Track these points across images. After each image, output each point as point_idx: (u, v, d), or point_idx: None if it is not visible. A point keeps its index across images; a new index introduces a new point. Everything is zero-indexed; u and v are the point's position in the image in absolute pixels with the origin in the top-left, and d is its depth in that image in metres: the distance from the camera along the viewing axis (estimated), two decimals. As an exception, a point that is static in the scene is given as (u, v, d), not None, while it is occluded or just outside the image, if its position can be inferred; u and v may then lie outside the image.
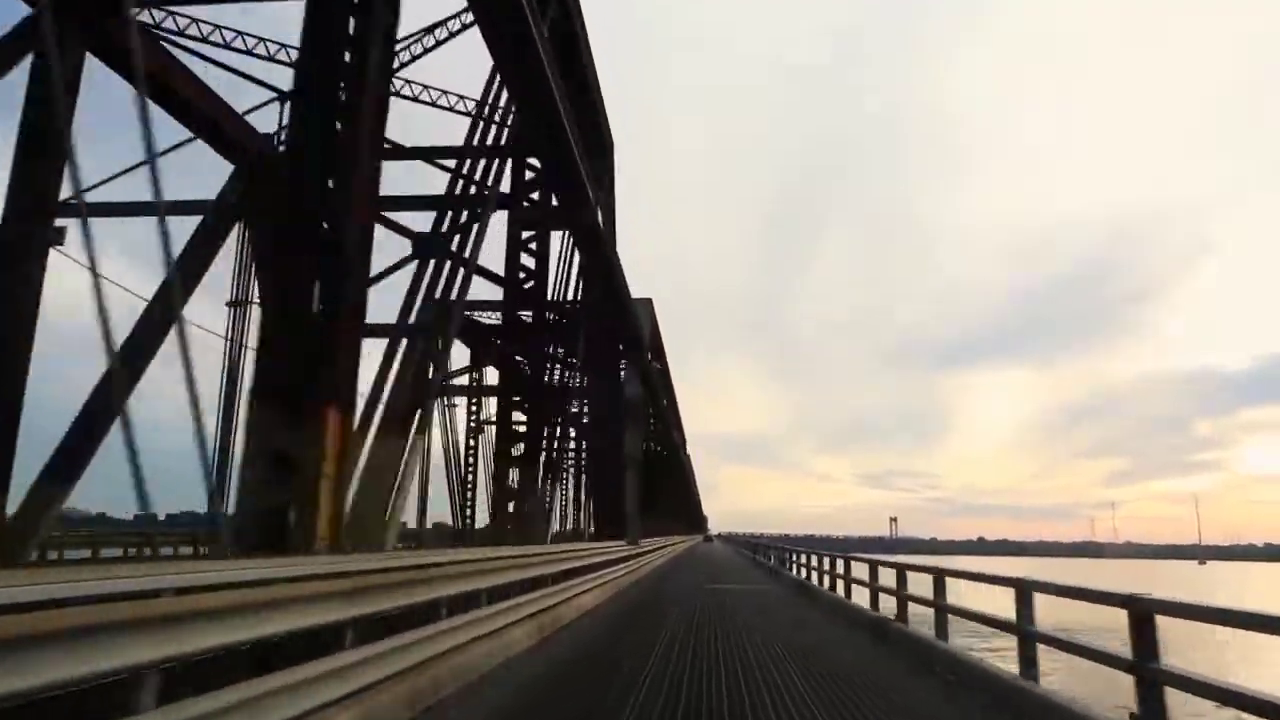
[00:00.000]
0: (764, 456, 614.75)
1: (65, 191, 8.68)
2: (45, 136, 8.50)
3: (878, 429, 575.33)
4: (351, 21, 7.94)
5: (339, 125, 7.70)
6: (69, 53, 8.47)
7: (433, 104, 17.10)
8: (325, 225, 7.51)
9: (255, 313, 16.08)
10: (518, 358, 19.39)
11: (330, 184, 7.54)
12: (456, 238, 12.52)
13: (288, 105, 14.28)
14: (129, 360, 9.19)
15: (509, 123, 13.84)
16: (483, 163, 13.43)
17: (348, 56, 7.85)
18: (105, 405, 8.93)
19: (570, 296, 20.89)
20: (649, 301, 33.37)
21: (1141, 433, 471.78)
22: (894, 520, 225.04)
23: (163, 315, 9.76)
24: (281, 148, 14.11)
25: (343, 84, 7.77)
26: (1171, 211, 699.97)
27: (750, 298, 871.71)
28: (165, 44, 13.36)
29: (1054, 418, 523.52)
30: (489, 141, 13.66)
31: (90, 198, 9.94)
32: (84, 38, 8.98)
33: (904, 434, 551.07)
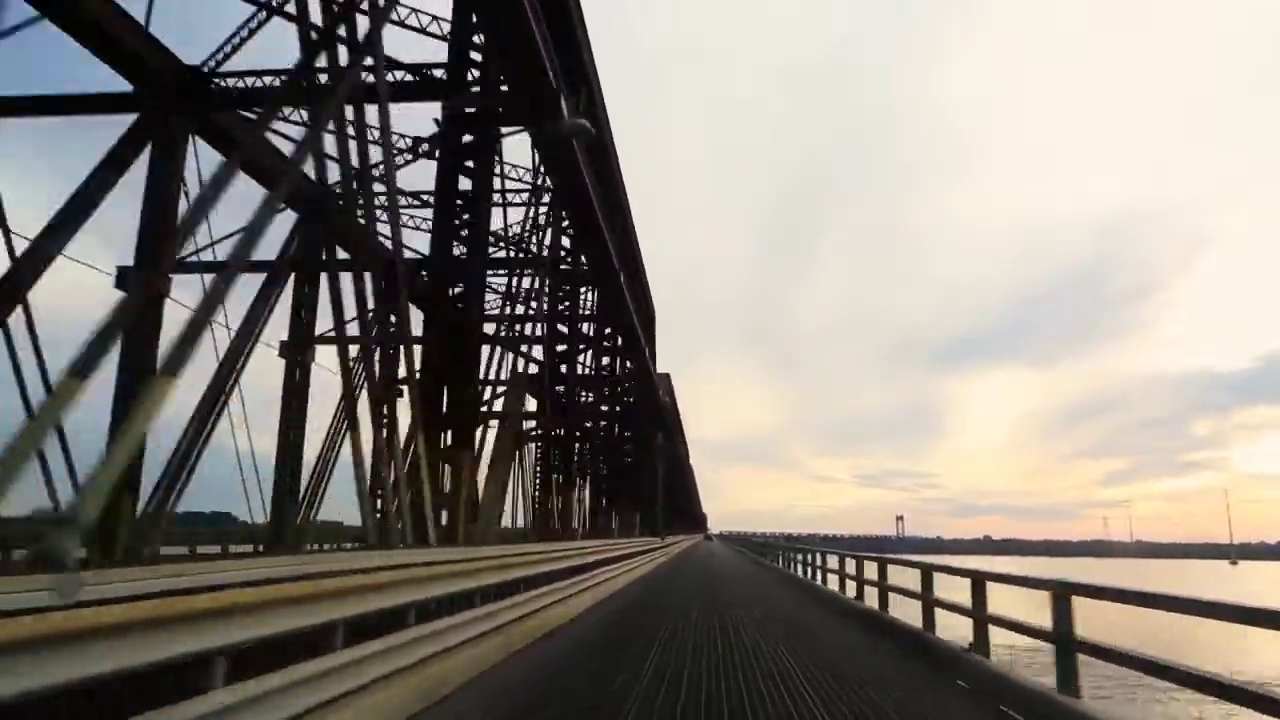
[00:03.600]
0: (763, 458, 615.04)
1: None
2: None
3: (876, 431, 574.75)
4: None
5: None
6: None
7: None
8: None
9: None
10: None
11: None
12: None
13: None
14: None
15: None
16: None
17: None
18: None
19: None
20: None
21: (1141, 432, 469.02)
22: (900, 519, 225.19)
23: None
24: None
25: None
26: (1171, 213, 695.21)
27: (749, 304, 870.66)
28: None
29: (1051, 419, 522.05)
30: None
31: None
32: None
33: (902, 435, 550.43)
